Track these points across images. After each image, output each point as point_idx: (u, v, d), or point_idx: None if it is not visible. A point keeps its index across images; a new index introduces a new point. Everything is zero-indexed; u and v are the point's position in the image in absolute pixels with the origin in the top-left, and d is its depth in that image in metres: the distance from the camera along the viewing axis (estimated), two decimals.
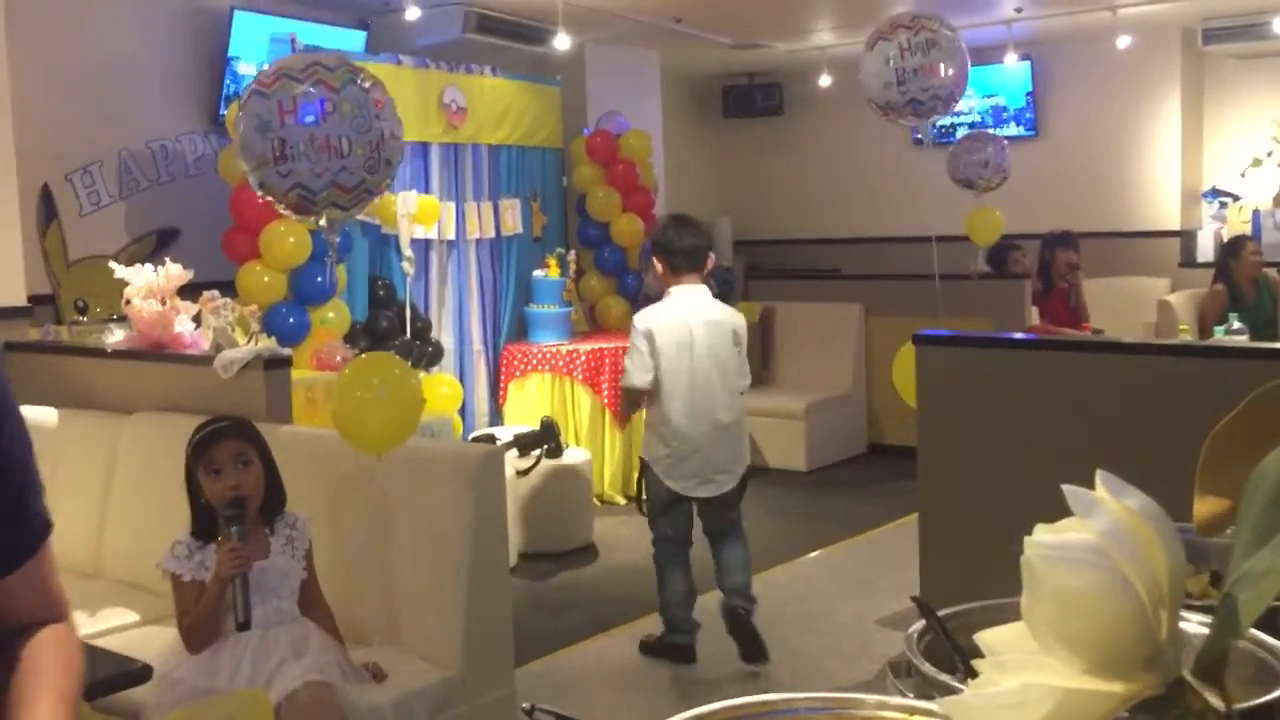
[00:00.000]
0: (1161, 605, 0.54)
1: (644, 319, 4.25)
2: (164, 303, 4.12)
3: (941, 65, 4.87)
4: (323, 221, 3.66)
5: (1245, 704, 0.78)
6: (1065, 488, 0.57)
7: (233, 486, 2.81)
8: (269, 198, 3.60)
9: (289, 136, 3.44)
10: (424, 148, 6.44)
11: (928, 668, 1.19)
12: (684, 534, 4.32)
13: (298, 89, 3.49)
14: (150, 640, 3.10)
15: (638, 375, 4.22)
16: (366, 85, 3.61)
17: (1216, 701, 0.54)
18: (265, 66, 3.74)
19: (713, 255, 4.37)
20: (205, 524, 2.88)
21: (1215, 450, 0.69)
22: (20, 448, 1.18)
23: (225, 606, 2.75)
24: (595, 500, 6.25)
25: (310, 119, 3.46)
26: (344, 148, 3.51)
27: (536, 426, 5.96)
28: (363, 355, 3.47)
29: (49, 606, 1.24)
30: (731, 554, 4.34)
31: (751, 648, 4.23)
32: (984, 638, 0.62)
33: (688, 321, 4.18)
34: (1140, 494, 0.56)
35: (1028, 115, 8.82)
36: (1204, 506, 0.69)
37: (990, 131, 7.60)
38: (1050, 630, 0.54)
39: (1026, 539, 0.56)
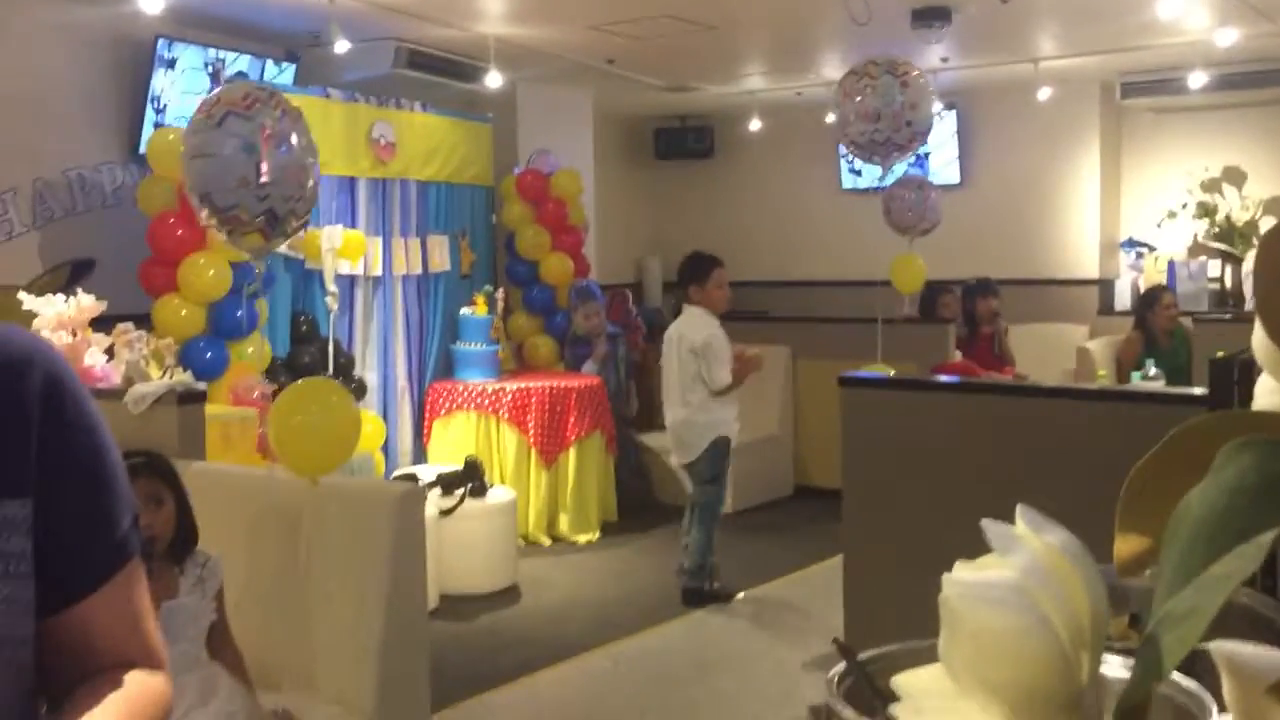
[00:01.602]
0: (1083, 646, 0.52)
1: None
2: (75, 335, 4.00)
3: (915, 107, 5.01)
4: (278, 250, 3.65)
5: None
6: (985, 522, 0.54)
7: (143, 527, 2.70)
8: (222, 223, 3.50)
9: (272, 160, 3.40)
10: (351, 182, 6.38)
11: (848, 713, 1.16)
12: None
13: (275, 113, 3.46)
14: None
15: None
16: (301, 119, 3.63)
17: None
18: (221, 87, 3.67)
19: (692, 289, 5.49)
20: None
21: (1136, 487, 0.67)
22: (94, 457, 1.08)
23: None
24: (520, 541, 6.17)
25: (284, 146, 3.45)
26: (303, 177, 3.52)
27: (460, 465, 5.88)
28: (300, 381, 3.43)
29: (141, 650, 1.11)
30: (689, 535, 5.49)
31: (695, 603, 5.45)
32: (901, 681, 0.59)
33: (671, 334, 5.54)
34: (1061, 529, 0.54)
35: (955, 163, 8.98)
36: (1125, 545, 0.67)
37: (921, 177, 7.71)
38: (969, 672, 0.52)
39: (945, 577, 0.53)
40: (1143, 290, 7.90)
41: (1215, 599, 0.48)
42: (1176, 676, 1.09)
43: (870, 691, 1.15)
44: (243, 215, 3.44)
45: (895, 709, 0.54)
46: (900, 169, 8.39)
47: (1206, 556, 0.51)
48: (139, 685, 1.08)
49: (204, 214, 3.50)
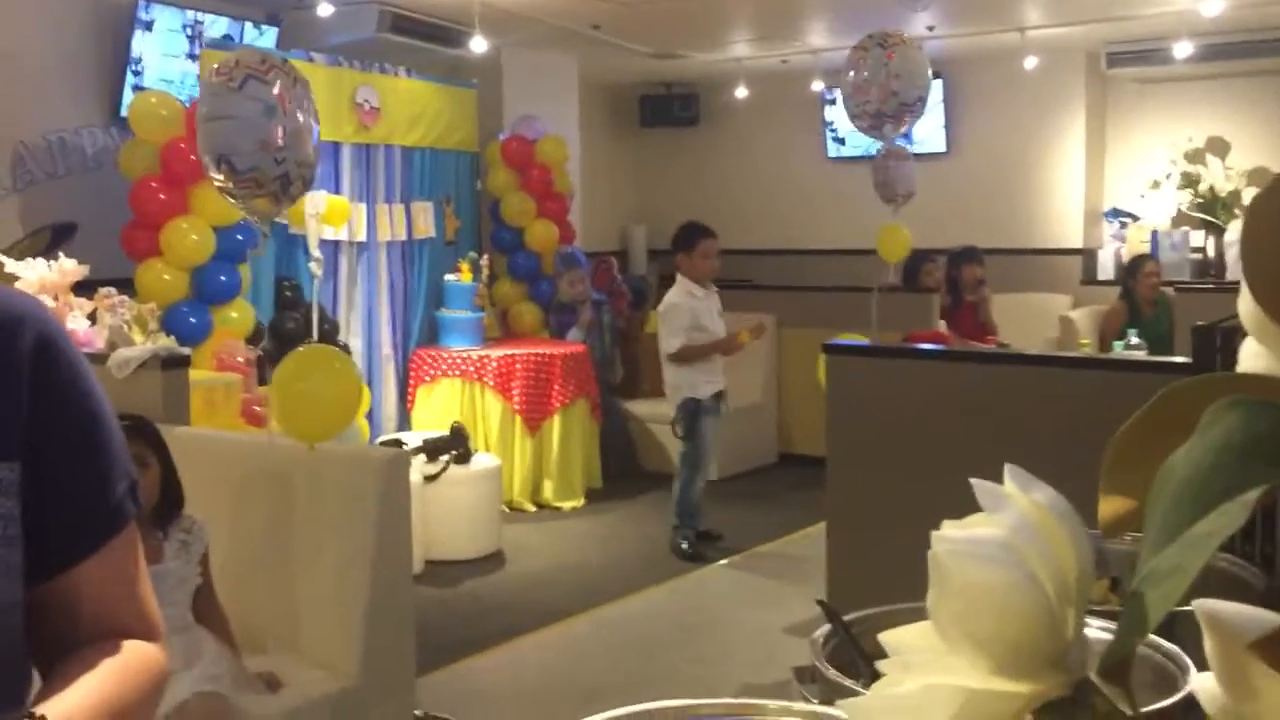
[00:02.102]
0: (1068, 603, 0.53)
1: None
2: (57, 299, 3.98)
3: (900, 78, 5.07)
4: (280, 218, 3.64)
5: (1151, 707, 0.77)
6: (974, 481, 0.55)
7: None
8: (238, 186, 3.46)
9: (288, 124, 3.39)
10: (335, 147, 6.33)
11: (832, 672, 1.18)
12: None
13: (288, 79, 3.44)
14: None
15: None
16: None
17: (1122, 703, 0.53)
18: (233, 53, 3.63)
19: (679, 257, 5.65)
20: None
21: (1121, 449, 0.68)
22: (89, 421, 1.06)
23: None
24: (504, 507, 6.18)
25: (298, 112, 3.44)
26: (311, 144, 3.52)
27: (445, 432, 5.88)
28: (303, 347, 3.43)
29: (135, 618, 1.09)
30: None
31: (675, 552, 5.70)
32: (888, 637, 0.60)
33: None
34: (1049, 489, 0.55)
35: (941, 131, 8.96)
36: (1108, 506, 0.68)
37: (903, 147, 7.69)
38: (956, 628, 0.52)
39: (934, 534, 0.54)
40: (1125, 260, 7.94)
41: (1199, 556, 0.49)
42: (1156, 638, 1.11)
43: (854, 651, 1.16)
44: (260, 178, 3.43)
45: (883, 664, 0.55)
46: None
47: (1191, 515, 0.52)
48: (133, 653, 1.07)
49: (219, 176, 3.47)
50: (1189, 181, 8.34)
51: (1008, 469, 0.56)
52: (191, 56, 5.97)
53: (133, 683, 1.04)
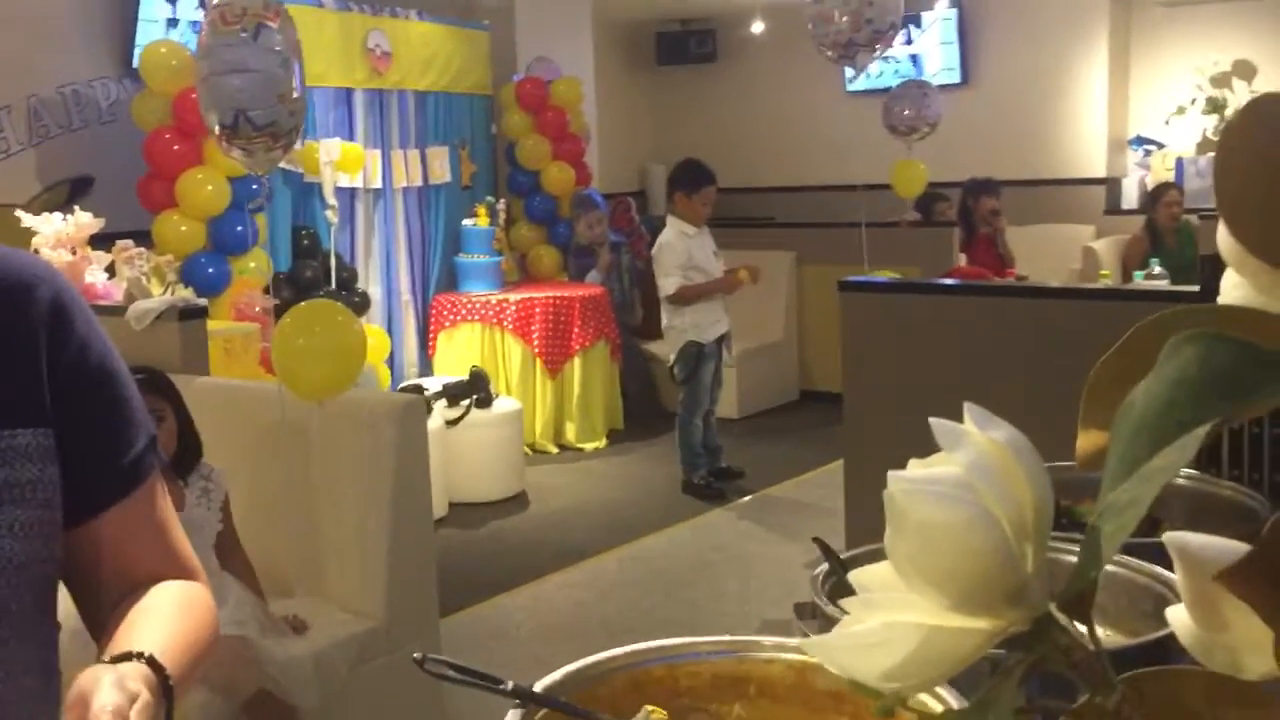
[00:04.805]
0: (1026, 539, 0.53)
1: None
2: (74, 253, 4.01)
3: (872, 4, 4.88)
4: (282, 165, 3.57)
5: (1121, 644, 0.78)
6: (932, 420, 0.55)
7: None
8: (253, 141, 3.33)
9: (294, 76, 3.32)
10: (347, 93, 6.31)
11: (831, 608, 1.19)
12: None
13: (290, 25, 3.35)
14: (62, 596, 3.03)
15: None
16: None
17: (1082, 636, 0.53)
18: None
19: (679, 195, 5.58)
20: None
21: (1097, 383, 0.68)
22: (109, 382, 1.10)
23: None
24: (526, 449, 6.22)
25: (297, 62, 3.36)
26: (300, 91, 3.43)
27: (466, 376, 5.91)
28: (303, 303, 3.36)
29: (168, 562, 1.14)
30: None
31: (689, 492, 5.76)
32: (856, 576, 0.60)
33: None
34: (1007, 426, 0.55)
35: (956, 61, 8.83)
36: (1085, 440, 0.68)
37: (923, 80, 7.58)
38: (913, 566, 0.53)
39: (890, 474, 0.54)
40: (1149, 188, 7.83)
41: (1152, 490, 0.49)
42: (1158, 569, 1.11)
43: (850, 587, 1.17)
44: (277, 132, 3.28)
45: (847, 602, 0.55)
46: (892, 70, 8.24)
47: (1148, 449, 0.52)
48: (186, 592, 1.11)
49: (231, 133, 3.28)
50: (1215, 107, 8.18)
51: (967, 407, 0.56)
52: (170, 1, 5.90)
53: (196, 617, 1.09)
